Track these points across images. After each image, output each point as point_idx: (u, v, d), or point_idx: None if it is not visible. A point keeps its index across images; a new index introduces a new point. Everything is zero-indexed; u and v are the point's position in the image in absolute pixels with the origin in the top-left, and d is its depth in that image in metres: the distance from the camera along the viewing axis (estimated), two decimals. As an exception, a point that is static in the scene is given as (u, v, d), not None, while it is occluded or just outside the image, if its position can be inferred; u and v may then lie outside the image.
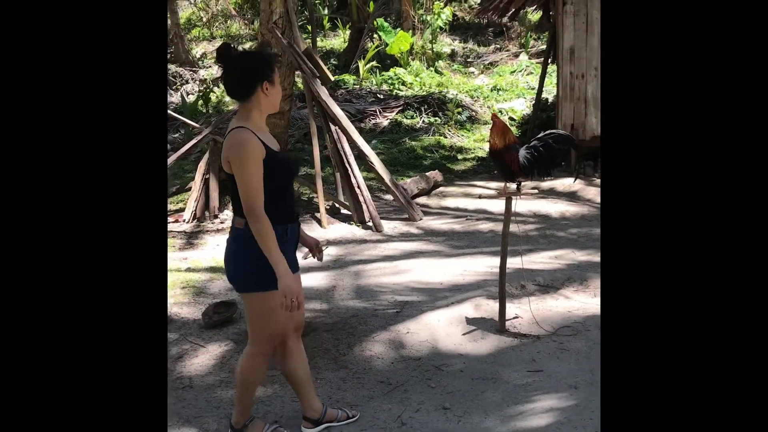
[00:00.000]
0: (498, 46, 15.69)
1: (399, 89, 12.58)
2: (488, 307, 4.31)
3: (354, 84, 12.85)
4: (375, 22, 14.09)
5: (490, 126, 3.99)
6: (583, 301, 4.52)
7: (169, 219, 7.05)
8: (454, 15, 15.76)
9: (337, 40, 15.75)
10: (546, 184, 8.04)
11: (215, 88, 12.11)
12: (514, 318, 4.19)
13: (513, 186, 4.00)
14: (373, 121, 11.21)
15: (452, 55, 15.06)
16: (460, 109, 11.38)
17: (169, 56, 13.56)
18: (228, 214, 6.88)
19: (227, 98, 12.07)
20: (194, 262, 5.70)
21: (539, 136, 3.86)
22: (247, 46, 14.39)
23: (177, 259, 5.77)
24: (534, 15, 14.03)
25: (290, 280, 2.57)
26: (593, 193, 7.81)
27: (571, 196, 7.73)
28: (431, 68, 13.77)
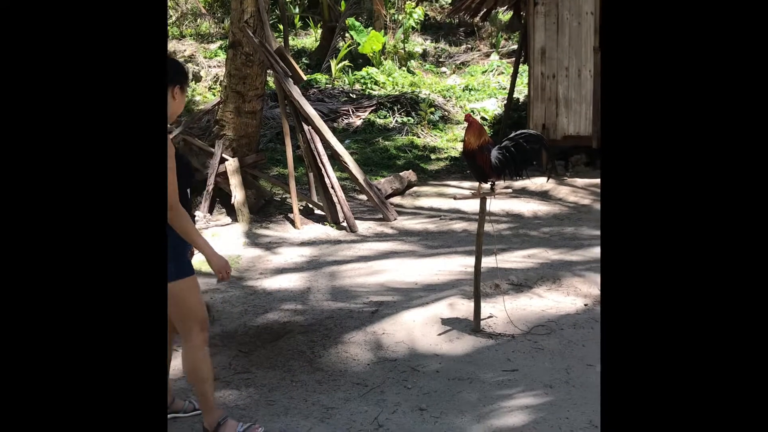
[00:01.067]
0: (469, 46, 15.77)
1: (371, 89, 12.57)
2: (463, 307, 4.33)
3: (326, 83, 12.81)
4: (346, 22, 14.06)
5: (465, 126, 4.01)
6: (557, 300, 4.56)
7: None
8: (425, 15, 15.80)
9: (309, 39, 15.68)
10: (518, 184, 8.10)
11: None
12: (488, 317, 4.21)
13: (487, 186, 4.02)
14: (346, 121, 11.19)
15: (424, 55, 15.10)
16: (432, 109, 11.41)
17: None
18: (199, 215, 6.80)
19: (198, 97, 11.94)
20: (166, 264, 5.63)
21: (510, 136, 3.89)
22: (217, 45, 14.25)
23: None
24: (505, 15, 14.13)
25: (218, 258, 2.78)
26: (565, 192, 7.89)
27: (543, 196, 7.80)
28: (403, 68, 13.79)
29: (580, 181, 8.26)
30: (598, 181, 8.25)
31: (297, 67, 7.11)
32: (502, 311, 4.24)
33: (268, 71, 7.26)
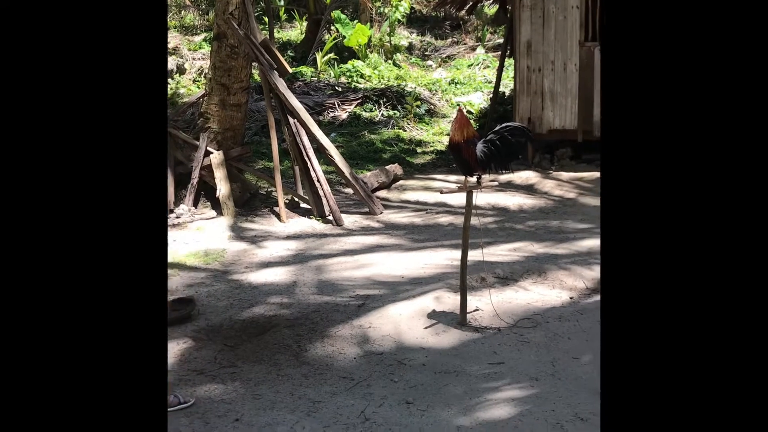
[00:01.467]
0: (455, 39, 15.76)
1: (357, 82, 12.53)
2: (449, 300, 4.33)
3: (312, 76, 12.75)
4: (332, 14, 13.99)
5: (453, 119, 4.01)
6: (542, 293, 4.57)
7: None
8: (411, 7, 15.76)
9: (294, 32, 15.59)
10: (504, 177, 8.11)
11: (169, 80, 11.86)
12: (475, 311, 4.22)
13: (473, 179, 4.02)
14: (331, 114, 11.14)
15: (410, 48, 15.07)
16: (418, 103, 11.39)
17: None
18: (184, 208, 6.75)
19: (182, 90, 11.84)
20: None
21: (495, 129, 3.89)
22: (201, 37, 14.13)
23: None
24: (491, 9, 14.12)
25: None
26: (550, 185, 7.91)
27: (529, 189, 7.82)
28: (389, 61, 13.75)
29: (565, 175, 8.29)
30: (583, 174, 8.29)
31: (282, 59, 7.06)
32: (488, 304, 4.25)
33: (254, 64, 7.21)
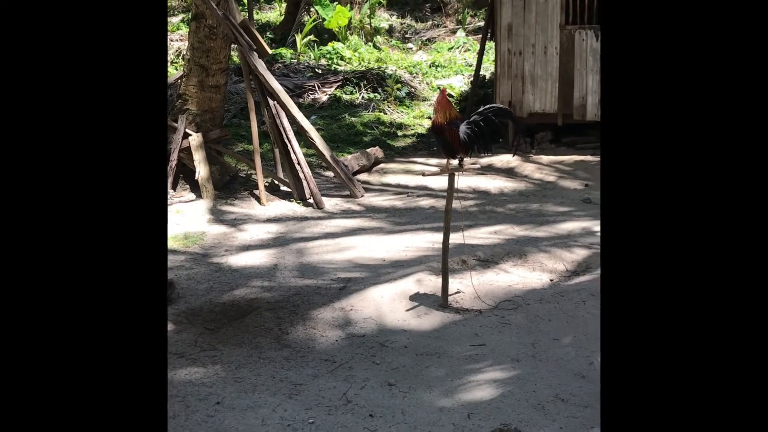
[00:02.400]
0: (435, 22, 15.67)
1: (337, 64, 12.43)
2: (431, 283, 4.34)
3: (291, 58, 12.62)
4: (312, -4, 13.83)
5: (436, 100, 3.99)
6: (523, 275, 4.60)
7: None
8: (391, -10, 15.64)
9: (273, 14, 15.40)
10: (484, 161, 8.13)
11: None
12: (456, 293, 4.23)
13: (455, 162, 4.01)
14: (311, 97, 11.05)
15: (390, 31, 14.97)
16: (399, 86, 11.33)
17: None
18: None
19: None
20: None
21: (479, 110, 3.88)
22: (179, 18, 13.91)
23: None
24: (471, -9, 14.06)
25: None
26: (530, 169, 7.94)
27: (509, 173, 7.84)
28: (369, 43, 13.65)
29: (545, 159, 8.33)
30: (563, 158, 8.33)
31: (262, 40, 6.98)
32: (470, 287, 4.26)
33: (233, 45, 7.11)
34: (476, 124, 3.77)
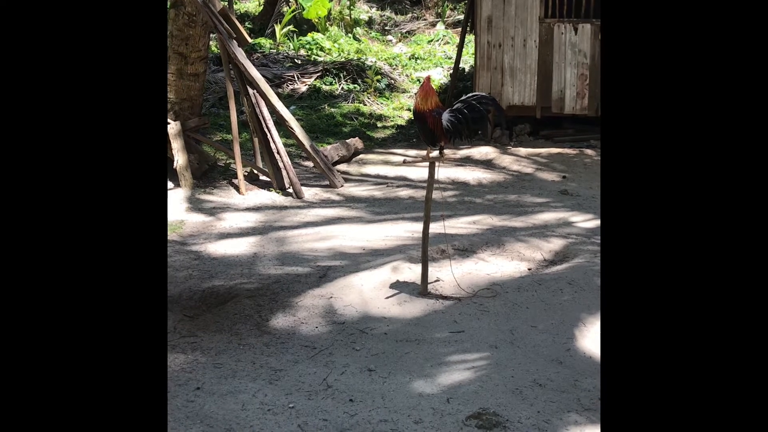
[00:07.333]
0: (415, 15, 15.68)
1: (317, 55, 12.38)
2: (410, 271, 4.36)
3: (270, 48, 12.55)
4: (292, -14, 13.75)
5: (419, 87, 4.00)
6: (501, 265, 4.64)
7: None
8: (372, -19, 15.61)
9: (252, 4, 15.29)
10: (463, 152, 8.18)
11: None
12: (435, 281, 4.26)
13: (436, 152, 4.03)
14: (291, 87, 11.00)
15: (370, 23, 14.95)
16: (379, 77, 11.33)
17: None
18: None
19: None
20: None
21: (462, 98, 3.90)
22: (156, 5, 13.75)
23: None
24: (451, -16, 14.09)
25: None
26: (508, 161, 8.00)
27: (488, 164, 7.89)
28: (349, 35, 13.61)
29: (523, 151, 8.40)
30: (540, 150, 8.40)
31: (242, 29, 6.93)
32: (449, 275, 4.30)
33: (212, 33, 7.05)
34: (460, 111, 3.79)
